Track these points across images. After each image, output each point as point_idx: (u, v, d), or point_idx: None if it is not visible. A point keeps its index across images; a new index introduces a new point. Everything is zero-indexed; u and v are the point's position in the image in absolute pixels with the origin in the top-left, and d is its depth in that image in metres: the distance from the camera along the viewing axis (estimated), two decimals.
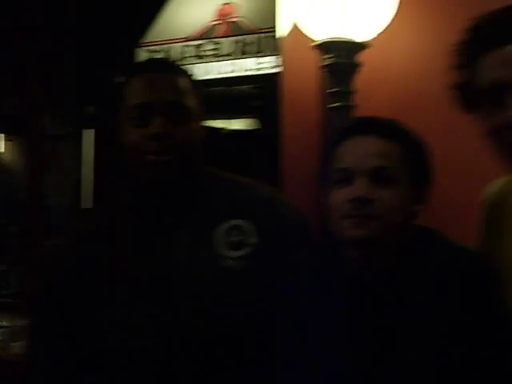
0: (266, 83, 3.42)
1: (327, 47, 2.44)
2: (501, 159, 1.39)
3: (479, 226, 1.60)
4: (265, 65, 3.58)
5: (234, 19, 3.57)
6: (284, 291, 1.60)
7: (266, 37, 3.46)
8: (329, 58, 2.44)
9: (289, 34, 2.70)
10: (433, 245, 1.52)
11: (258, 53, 3.54)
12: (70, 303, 1.74)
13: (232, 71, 3.61)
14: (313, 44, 2.48)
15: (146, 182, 1.72)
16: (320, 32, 2.45)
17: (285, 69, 2.69)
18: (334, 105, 2.44)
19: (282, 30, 2.71)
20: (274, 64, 3.47)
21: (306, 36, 2.52)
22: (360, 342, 1.47)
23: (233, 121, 4.00)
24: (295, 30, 2.62)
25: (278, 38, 2.75)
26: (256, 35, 3.53)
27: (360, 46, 2.44)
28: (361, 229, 1.44)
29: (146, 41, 3.63)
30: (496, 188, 1.59)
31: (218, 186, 1.79)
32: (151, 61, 2.22)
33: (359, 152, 1.50)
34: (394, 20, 2.47)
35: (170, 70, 1.78)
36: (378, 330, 1.46)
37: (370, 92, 2.53)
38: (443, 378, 1.41)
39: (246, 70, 3.62)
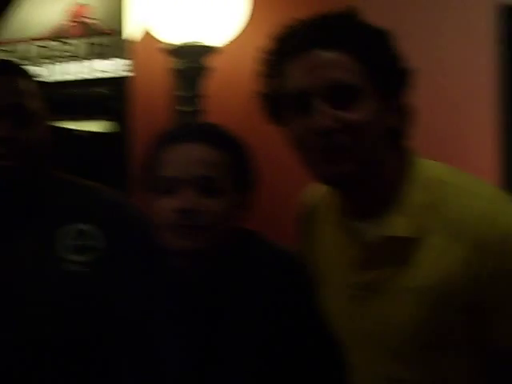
0: (118, 86, 3.38)
1: (177, 51, 2.46)
2: (307, 168, 1.30)
3: (297, 231, 1.57)
4: (117, 67, 3.53)
5: (86, 20, 3.50)
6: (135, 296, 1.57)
7: (119, 39, 3.42)
8: (179, 62, 2.46)
9: (140, 37, 2.69)
10: (254, 247, 1.52)
11: (111, 55, 3.49)
12: None
13: (84, 73, 3.54)
14: (163, 48, 2.49)
15: None
16: (170, 36, 2.46)
17: (135, 72, 2.69)
18: (184, 109, 2.46)
19: (132, 32, 2.69)
20: (126, 66, 3.44)
21: (156, 40, 2.53)
22: (190, 344, 1.47)
23: (88, 123, 3.93)
24: (146, 33, 2.61)
25: (128, 41, 2.74)
26: (109, 37, 3.48)
27: (210, 51, 2.47)
28: (187, 240, 1.41)
29: None
30: (312, 193, 1.54)
31: (63, 189, 1.75)
32: None
33: (185, 160, 1.44)
34: (246, 26, 2.53)
35: (11, 71, 1.72)
36: (205, 333, 1.46)
37: (222, 97, 2.57)
38: (263, 374, 1.43)
39: (99, 72, 3.56)
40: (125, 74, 3.34)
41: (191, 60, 2.45)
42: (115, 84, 3.41)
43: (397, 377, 1.30)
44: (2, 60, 1.79)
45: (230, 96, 2.62)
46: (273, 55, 1.33)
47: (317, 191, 1.50)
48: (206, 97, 2.49)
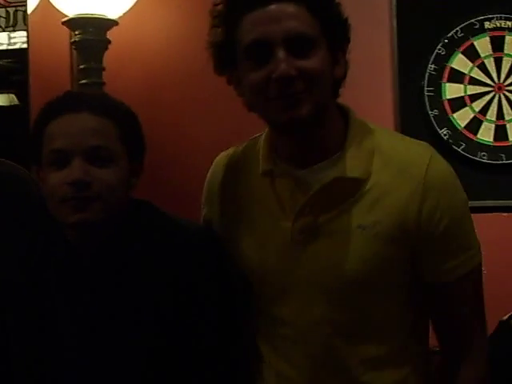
0: (19, 58, 3.32)
1: (76, 23, 2.46)
2: (264, 116, 1.37)
3: (207, 195, 1.59)
4: (17, 39, 3.46)
5: None
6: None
7: (17, 10, 3.35)
8: (78, 34, 2.45)
9: (38, 9, 2.66)
10: (151, 217, 1.50)
11: (10, 27, 3.41)
12: None
13: None
14: (62, 20, 2.47)
15: None
16: (69, 8, 2.45)
17: (34, 44, 2.66)
18: (84, 81, 2.45)
19: (31, 4, 2.66)
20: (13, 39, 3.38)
21: (56, 11, 2.51)
22: (84, 318, 1.44)
23: None
24: (46, 4, 2.58)
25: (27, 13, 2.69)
26: (7, 8, 3.40)
27: (110, 23, 2.47)
28: (81, 212, 1.38)
29: None
30: (224, 159, 1.58)
31: None
32: None
33: (72, 131, 1.39)
34: None
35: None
36: (100, 307, 1.44)
37: (120, 69, 2.57)
38: (158, 351, 1.43)
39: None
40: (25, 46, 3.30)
41: (89, 32, 2.44)
42: (17, 56, 3.34)
43: (331, 318, 1.39)
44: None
45: (129, 68, 2.63)
46: (228, 8, 1.37)
47: (227, 157, 1.56)
48: (105, 69, 2.48)
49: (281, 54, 1.30)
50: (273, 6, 1.31)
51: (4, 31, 3.44)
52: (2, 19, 3.41)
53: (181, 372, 1.43)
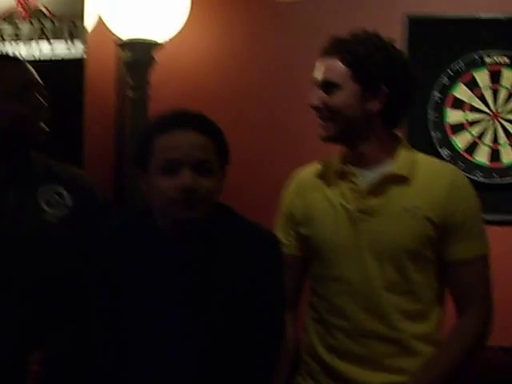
0: (61, 68, 3.65)
1: (128, 45, 2.81)
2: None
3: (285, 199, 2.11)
4: (60, 50, 3.80)
5: (33, 5, 3.75)
6: (102, 250, 1.88)
7: (63, 23, 3.70)
8: (129, 55, 2.80)
9: (94, 27, 3.02)
10: (231, 219, 1.86)
11: (56, 38, 3.75)
12: None
13: (30, 55, 3.79)
14: (116, 41, 2.83)
15: None
16: (122, 31, 2.80)
17: (88, 59, 2.97)
18: (133, 96, 2.81)
19: (88, 21, 3.00)
20: (69, 50, 3.72)
21: (109, 31, 2.86)
22: (173, 298, 1.79)
23: None
24: (100, 23, 2.94)
25: (82, 28, 3.02)
26: (56, 21, 3.73)
27: (156, 46, 2.83)
28: (191, 212, 1.71)
29: None
30: (302, 172, 2.12)
31: (39, 159, 2.12)
32: None
33: (184, 145, 1.70)
34: (185, 24, 2.88)
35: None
36: (186, 289, 1.78)
37: (164, 85, 2.93)
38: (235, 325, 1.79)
39: (43, 54, 3.81)
40: (75, 56, 3.66)
41: (139, 53, 2.80)
42: (59, 66, 3.69)
43: (380, 276, 1.90)
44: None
45: (171, 85, 2.98)
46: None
47: (307, 175, 2.10)
48: (150, 85, 2.85)
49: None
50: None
51: (51, 42, 3.81)
52: (51, 31, 3.78)
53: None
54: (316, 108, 1.94)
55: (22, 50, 3.78)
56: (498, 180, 2.92)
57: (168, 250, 1.82)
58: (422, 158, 1.99)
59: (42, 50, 3.77)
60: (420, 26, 2.95)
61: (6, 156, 2.03)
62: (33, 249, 1.98)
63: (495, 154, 2.94)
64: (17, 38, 3.78)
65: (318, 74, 1.95)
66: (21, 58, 2.12)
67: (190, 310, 1.80)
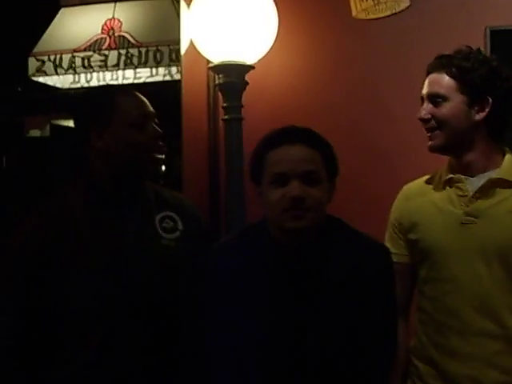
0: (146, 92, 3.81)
1: (220, 69, 2.92)
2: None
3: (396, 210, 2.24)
4: (143, 74, 3.96)
5: (118, 33, 3.93)
6: (213, 268, 2.01)
7: (148, 50, 3.86)
8: (222, 77, 2.92)
9: (186, 52, 3.15)
10: (343, 232, 1.96)
11: (139, 64, 3.92)
12: (40, 276, 2.07)
13: (115, 80, 3.96)
14: (208, 65, 2.96)
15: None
16: (215, 56, 2.92)
17: (184, 83, 3.12)
18: (227, 117, 2.93)
19: (183, 46, 3.16)
20: (151, 75, 3.88)
21: (200, 54, 2.99)
22: (286, 306, 1.89)
23: None
24: (191, 48, 3.07)
25: (175, 53, 3.16)
26: (139, 48, 3.90)
27: (247, 68, 2.94)
28: (299, 220, 1.82)
29: (36, 50, 3.91)
30: (413, 185, 2.24)
31: (148, 186, 2.25)
32: None
33: (292, 159, 1.85)
34: (273, 45, 2.99)
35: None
36: (299, 297, 1.88)
37: (256, 106, 3.04)
38: (350, 335, 1.87)
39: (126, 79, 3.98)
40: (151, 80, 3.81)
41: (231, 76, 2.91)
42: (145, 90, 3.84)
43: (488, 275, 1.99)
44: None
45: (261, 105, 3.09)
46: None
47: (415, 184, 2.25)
48: (244, 106, 2.96)
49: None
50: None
51: (135, 68, 3.98)
52: (135, 57, 3.95)
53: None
54: (424, 120, 2.08)
55: (108, 77, 3.99)
56: None
57: (279, 259, 1.93)
58: None
59: (128, 76, 3.98)
60: (501, 38, 2.97)
61: (126, 184, 2.17)
62: (153, 273, 2.11)
63: None
64: (104, 65, 3.98)
65: (426, 88, 2.10)
66: (136, 93, 2.25)
67: (301, 321, 1.89)
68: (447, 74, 2.06)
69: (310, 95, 3.09)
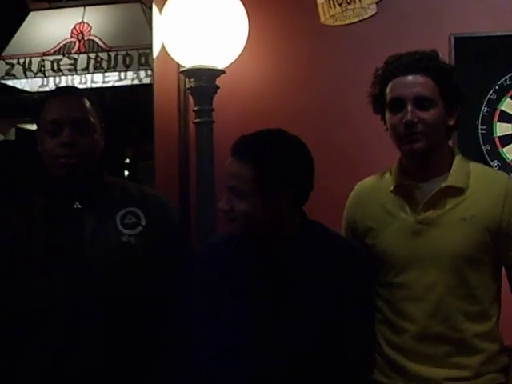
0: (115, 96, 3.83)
1: (192, 73, 2.96)
2: (397, 146, 2.08)
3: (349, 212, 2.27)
4: (111, 78, 3.97)
5: (88, 37, 3.94)
6: (200, 266, 2.09)
7: (117, 54, 3.88)
8: (193, 81, 2.96)
9: (157, 56, 3.20)
10: (320, 233, 2.03)
11: (109, 68, 3.93)
12: None
13: (84, 84, 3.97)
14: (180, 69, 3.00)
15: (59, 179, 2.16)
16: (186, 60, 2.96)
17: (155, 87, 3.15)
18: (198, 120, 2.97)
19: (155, 50, 3.20)
20: (119, 78, 3.91)
21: (172, 59, 3.04)
22: (264, 301, 1.96)
23: None
24: (162, 52, 3.12)
25: (144, 57, 3.19)
26: (108, 52, 3.92)
27: (218, 72, 2.99)
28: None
29: (5, 54, 3.90)
30: (363, 184, 2.27)
31: (114, 183, 2.27)
32: None
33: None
34: (244, 50, 3.05)
35: (75, 93, 2.22)
36: (278, 293, 1.95)
37: (227, 110, 3.09)
38: (324, 327, 1.94)
39: (95, 83, 3.99)
40: (118, 84, 3.84)
41: (203, 80, 2.96)
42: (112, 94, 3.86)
43: (442, 283, 2.01)
44: (67, 86, 2.27)
45: (232, 109, 3.14)
46: (384, 73, 2.08)
47: (363, 184, 2.28)
48: (215, 110, 3.01)
49: (409, 107, 2.01)
50: (410, 77, 2.03)
51: (104, 72, 4.00)
52: (104, 61, 3.97)
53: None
54: (411, 124, 2.01)
55: (77, 81, 4.00)
56: None
57: (262, 257, 2.00)
58: (475, 168, 2.12)
59: (97, 80, 3.99)
60: (466, 46, 3.07)
61: (76, 186, 2.16)
62: (113, 270, 2.11)
63: None
64: (73, 69, 3.99)
65: (408, 90, 2.02)
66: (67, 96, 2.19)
67: (277, 316, 1.96)
68: (430, 77, 2.03)
69: (280, 99, 3.14)
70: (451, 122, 2.08)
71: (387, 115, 2.08)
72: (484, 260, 2.04)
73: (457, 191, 2.05)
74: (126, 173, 4.19)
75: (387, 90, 2.07)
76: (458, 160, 2.10)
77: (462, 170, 2.08)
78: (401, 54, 2.09)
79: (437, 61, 2.08)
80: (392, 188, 2.11)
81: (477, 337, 2.03)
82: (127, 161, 4.27)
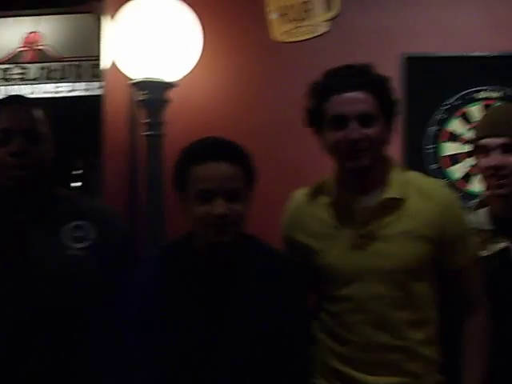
0: (66, 106, 3.80)
1: (142, 85, 2.94)
2: (339, 166, 2.07)
3: (286, 224, 2.23)
4: (63, 88, 3.94)
5: (39, 47, 3.90)
6: (133, 279, 2.06)
7: (69, 64, 3.85)
8: (143, 94, 2.94)
9: (108, 67, 3.18)
10: (257, 247, 2.04)
11: (60, 79, 3.90)
12: None
13: (33, 94, 3.93)
14: (129, 82, 2.97)
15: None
16: (135, 73, 2.94)
17: (105, 98, 3.12)
18: (148, 133, 2.95)
19: (104, 62, 3.18)
20: (72, 89, 3.87)
21: (120, 72, 3.01)
22: (200, 316, 1.95)
23: None
24: (113, 64, 3.10)
25: (96, 68, 3.16)
26: (60, 62, 3.89)
27: (169, 85, 2.97)
28: (222, 235, 1.90)
29: None
30: (298, 196, 2.23)
31: (63, 196, 2.23)
32: None
33: (216, 177, 1.89)
34: (197, 64, 3.05)
35: (25, 103, 2.18)
36: (216, 307, 1.95)
37: (177, 123, 3.07)
38: (261, 342, 1.94)
39: (46, 93, 3.96)
40: (71, 94, 3.81)
41: (152, 92, 2.94)
42: (65, 104, 3.83)
43: (383, 294, 2.02)
44: (18, 95, 2.25)
45: (184, 122, 3.12)
46: (320, 89, 2.05)
47: (299, 195, 2.23)
48: (164, 123, 2.98)
49: (353, 124, 1.99)
50: (351, 94, 1.99)
51: (56, 82, 3.96)
52: (56, 71, 3.93)
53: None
54: (356, 141, 1.98)
55: (28, 90, 3.95)
56: None
57: (198, 270, 1.99)
58: (413, 177, 2.12)
59: (48, 90, 3.95)
60: (417, 65, 3.11)
61: (24, 197, 2.13)
62: (58, 285, 2.08)
63: None
64: (24, 78, 3.94)
65: (349, 107, 1.99)
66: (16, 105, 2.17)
67: (214, 330, 1.96)
68: (370, 93, 2.00)
69: (231, 114, 3.15)
70: (389, 135, 2.09)
71: (328, 132, 2.04)
72: (425, 270, 2.06)
73: (397, 202, 2.04)
74: (77, 184, 4.18)
75: (327, 106, 2.02)
76: (395, 171, 2.09)
77: (399, 180, 2.07)
78: (338, 67, 2.07)
79: (373, 75, 2.06)
80: (330, 202, 2.11)
81: (420, 343, 2.06)
82: (77, 172, 4.24)
